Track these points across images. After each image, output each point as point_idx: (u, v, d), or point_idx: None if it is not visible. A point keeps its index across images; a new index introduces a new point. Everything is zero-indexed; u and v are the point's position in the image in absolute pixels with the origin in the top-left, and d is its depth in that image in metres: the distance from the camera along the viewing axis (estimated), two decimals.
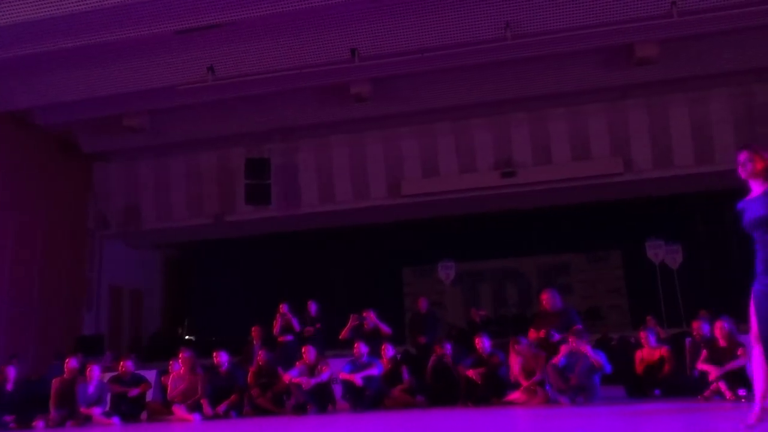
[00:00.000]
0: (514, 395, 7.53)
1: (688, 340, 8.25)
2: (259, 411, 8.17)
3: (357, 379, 7.92)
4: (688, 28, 9.95)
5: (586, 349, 7.06)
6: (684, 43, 10.77)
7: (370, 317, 9.37)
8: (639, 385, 7.72)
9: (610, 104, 13.00)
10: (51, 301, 13.57)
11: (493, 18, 9.76)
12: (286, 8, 9.16)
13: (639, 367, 7.80)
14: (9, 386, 8.38)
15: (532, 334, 7.76)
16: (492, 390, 7.72)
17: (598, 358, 7.05)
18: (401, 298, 16.35)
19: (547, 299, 7.91)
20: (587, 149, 13.10)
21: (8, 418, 8.05)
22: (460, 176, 13.54)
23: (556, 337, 7.50)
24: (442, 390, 8.22)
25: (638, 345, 8.21)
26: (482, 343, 8.01)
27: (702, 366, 7.06)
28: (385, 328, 9.38)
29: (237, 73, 10.76)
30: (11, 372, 8.46)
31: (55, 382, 8.43)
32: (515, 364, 7.61)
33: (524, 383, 7.44)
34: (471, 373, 7.74)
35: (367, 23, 10.03)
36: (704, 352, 7.17)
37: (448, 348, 8.46)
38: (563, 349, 7.19)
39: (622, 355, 8.40)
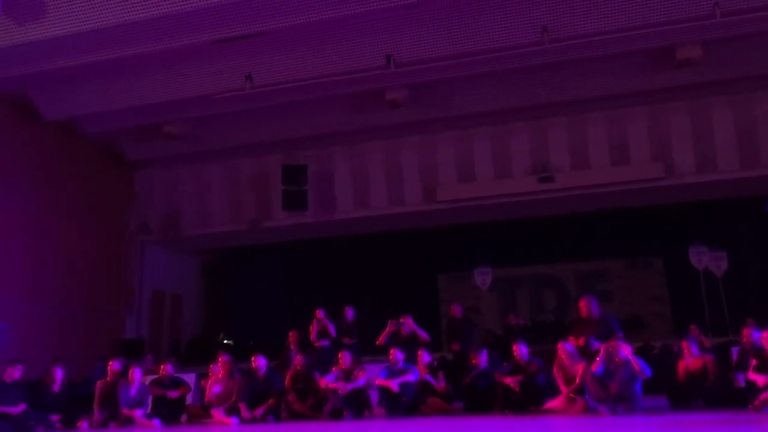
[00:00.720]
0: (553, 403, 7.41)
1: (735, 348, 8.01)
2: (296, 416, 8.22)
3: (393, 385, 7.91)
4: (732, 28, 9.70)
5: (626, 351, 6.90)
6: (727, 45, 10.50)
7: (408, 323, 9.34)
8: (682, 395, 7.52)
9: (651, 108, 12.76)
10: (94, 305, 13.93)
11: (530, 22, 9.68)
12: (321, 16, 9.25)
13: (682, 377, 7.59)
14: (55, 387, 8.61)
15: (572, 341, 7.63)
16: (530, 398, 7.61)
17: (638, 361, 6.89)
18: (437, 304, 16.28)
19: (585, 306, 7.77)
20: (626, 154, 12.86)
21: (54, 417, 8.26)
22: (497, 181, 13.44)
23: (596, 345, 7.36)
24: (479, 397, 8.15)
25: (681, 354, 7.99)
26: (520, 350, 7.91)
27: (751, 375, 6.84)
28: (423, 335, 9.34)
29: (274, 81, 10.90)
30: (58, 373, 8.68)
31: (98, 384, 8.63)
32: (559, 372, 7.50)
33: (564, 389, 7.32)
34: (508, 380, 7.65)
35: (403, 29, 10.06)
36: (753, 361, 6.95)
37: (483, 356, 8.39)
38: (600, 356, 7.05)
39: (664, 364, 8.19)
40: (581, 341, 7.56)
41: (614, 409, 6.79)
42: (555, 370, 7.54)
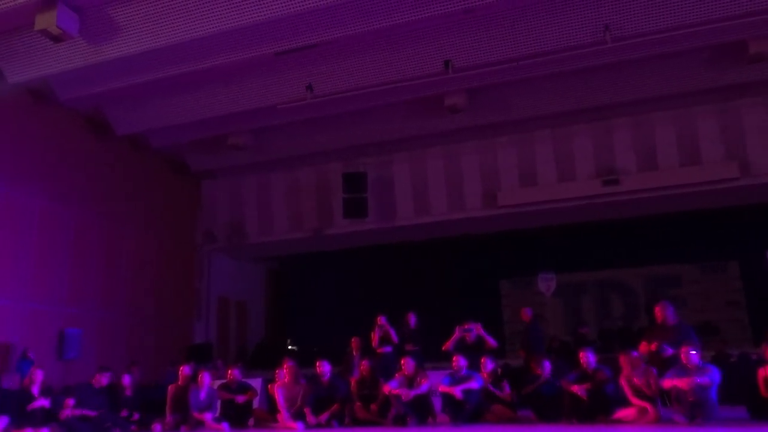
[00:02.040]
0: (623, 413, 7.17)
1: None
2: (360, 421, 8.25)
3: (456, 392, 7.83)
4: None
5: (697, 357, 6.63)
6: None
7: (476, 330, 9.23)
8: (763, 406, 7.12)
9: (722, 105, 12.24)
10: (164, 312, 14.45)
11: (591, 21, 9.47)
12: (379, 25, 9.32)
13: (762, 387, 7.20)
14: (128, 391, 8.96)
15: (644, 347, 7.37)
16: (598, 407, 7.38)
17: (709, 367, 6.60)
18: (499, 310, 16.06)
19: (660, 312, 7.50)
20: (697, 154, 12.37)
21: (127, 417, 8.58)
22: (559, 185, 13.18)
23: (669, 351, 7.09)
24: (545, 405, 7.97)
25: (761, 362, 7.58)
26: (587, 358, 7.70)
27: None
28: (491, 341, 9.21)
29: (334, 90, 11.06)
30: (126, 380, 9.06)
31: (170, 388, 8.92)
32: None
33: (634, 400, 7.07)
34: (575, 388, 7.45)
35: (461, 34, 10.02)
36: None
37: (546, 366, 8.21)
38: (674, 364, 6.79)
39: (743, 373, 7.79)
40: (653, 346, 7.30)
41: (691, 418, 6.51)
42: (622, 379, 7.30)
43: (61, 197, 12.18)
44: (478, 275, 16.29)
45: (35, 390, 8.01)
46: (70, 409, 7.96)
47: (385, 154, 14.40)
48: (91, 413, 8.09)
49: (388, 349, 9.90)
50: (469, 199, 13.91)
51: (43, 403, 7.88)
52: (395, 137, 13.44)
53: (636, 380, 7.13)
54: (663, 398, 6.97)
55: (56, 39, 8.99)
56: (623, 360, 7.31)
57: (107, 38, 9.49)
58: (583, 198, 12.96)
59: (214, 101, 11.68)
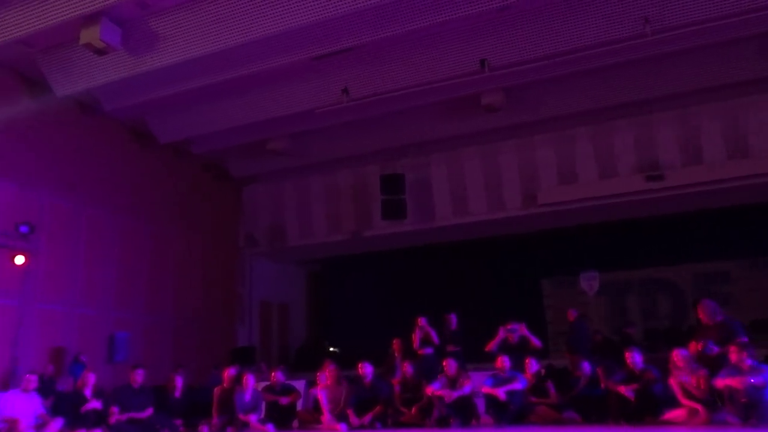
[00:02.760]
0: (673, 414, 6.99)
1: None
2: (403, 423, 8.25)
3: (500, 393, 7.76)
4: None
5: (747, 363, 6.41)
6: None
7: (520, 330, 9.14)
8: None
9: None
10: (208, 315, 14.72)
11: (630, 14, 9.28)
12: (413, 26, 9.32)
13: None
14: (177, 393, 9.15)
15: (693, 346, 7.18)
16: (646, 408, 7.21)
17: (764, 375, 6.36)
18: (541, 310, 15.85)
19: (703, 311, 7.30)
20: (745, 146, 11.99)
21: (177, 422, 8.77)
22: (601, 182, 12.95)
23: (715, 350, 6.89)
24: (590, 406, 7.83)
25: None
26: (633, 358, 7.53)
27: None
28: (536, 342, 9.11)
29: (370, 92, 11.11)
30: (179, 380, 9.24)
31: (216, 391, 9.08)
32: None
33: (684, 401, 6.89)
34: (622, 389, 7.29)
35: (496, 32, 9.95)
36: None
37: (585, 367, 8.08)
38: (725, 364, 6.59)
39: None
40: (699, 346, 7.10)
41: (744, 419, 6.31)
42: (671, 379, 7.12)
43: (107, 205, 12.55)
44: (519, 275, 16.10)
45: (88, 392, 8.26)
46: (116, 415, 8.17)
47: (423, 155, 14.39)
48: (140, 415, 8.29)
49: (429, 350, 9.88)
50: (508, 199, 13.79)
51: (95, 405, 8.13)
52: (432, 138, 13.41)
53: (686, 380, 6.95)
54: (715, 399, 6.77)
55: (100, 52, 9.27)
56: (672, 359, 7.12)
57: (148, 49, 9.74)
58: (626, 195, 12.70)
59: (253, 107, 11.86)
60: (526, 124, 12.87)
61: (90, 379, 8.35)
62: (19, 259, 10.35)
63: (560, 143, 13.39)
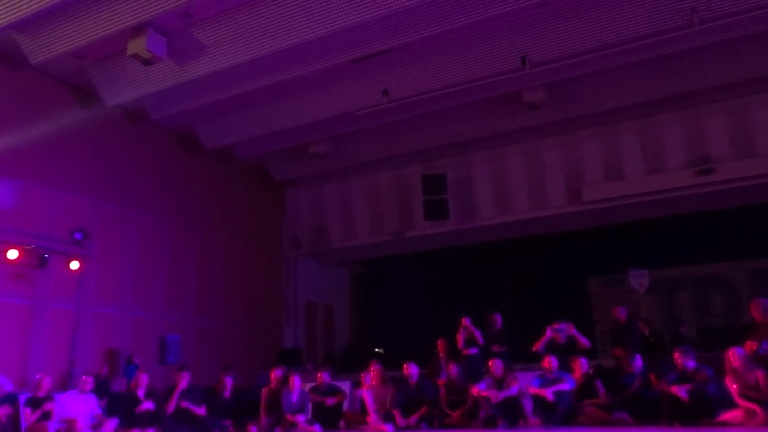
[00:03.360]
0: (729, 415, 6.77)
1: None
2: (449, 424, 8.23)
3: (547, 393, 7.66)
4: None
5: None
6: None
7: (568, 330, 9.00)
8: None
9: None
10: (255, 317, 14.97)
11: (676, 4, 9.02)
12: (452, 25, 9.28)
13: None
14: (227, 394, 9.34)
15: (749, 346, 6.94)
16: (700, 409, 7.01)
17: None
18: (589, 309, 15.56)
19: (757, 309, 7.06)
20: None
21: (227, 422, 8.95)
22: (648, 177, 12.63)
23: None
24: (641, 407, 7.65)
25: None
26: (683, 358, 7.32)
27: None
28: (584, 341, 8.96)
29: (410, 93, 11.11)
30: (228, 381, 9.42)
31: (264, 391, 9.24)
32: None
33: (740, 402, 6.66)
34: (675, 389, 7.10)
35: (536, 28, 9.82)
36: None
37: (638, 362, 7.89)
38: None
39: None
40: (755, 345, 6.86)
41: None
42: (727, 379, 6.89)
43: (156, 211, 12.90)
44: (565, 274, 15.85)
45: (141, 393, 8.51)
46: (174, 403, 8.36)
47: (464, 154, 14.31)
48: (198, 411, 8.47)
49: (474, 350, 9.82)
50: (552, 196, 13.59)
51: (149, 406, 8.35)
52: (473, 137, 13.31)
53: (742, 380, 6.72)
54: None
55: (147, 62, 9.54)
56: (728, 359, 6.90)
57: (192, 58, 9.97)
58: (675, 189, 12.35)
59: (294, 111, 12.02)
60: (569, 120, 12.64)
61: (143, 380, 8.60)
62: (74, 265, 10.74)
63: (605, 138, 13.12)
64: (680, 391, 7.04)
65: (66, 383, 10.18)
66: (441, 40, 10.03)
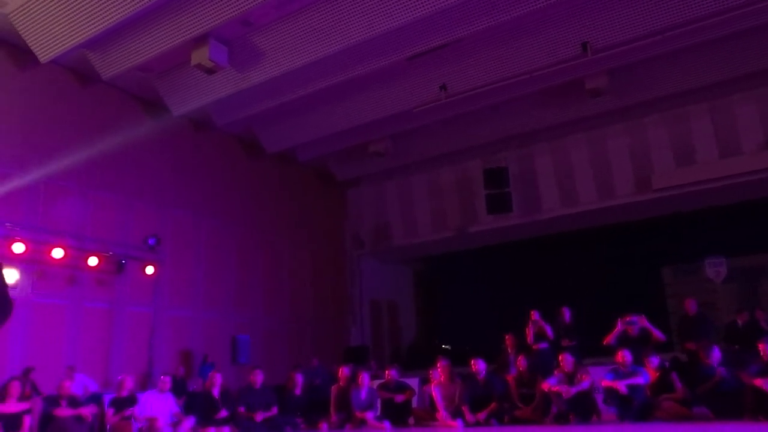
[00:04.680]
0: None
1: None
2: (520, 420, 8.12)
3: (621, 386, 7.44)
4: None
5: None
6: None
7: (640, 322, 8.71)
8: None
9: None
10: (321, 316, 15.20)
11: None
12: (509, 16, 9.12)
13: None
14: (297, 391, 9.52)
15: None
16: None
17: None
18: (663, 300, 14.98)
19: None
20: None
21: (298, 419, 9.13)
22: (722, 162, 12.06)
23: None
24: (722, 401, 7.31)
25: None
26: None
27: None
28: (658, 334, 8.65)
29: (468, 87, 11.01)
30: (299, 378, 9.60)
31: (333, 389, 9.36)
32: None
33: None
34: (759, 382, 6.76)
35: (596, 13, 9.54)
36: None
37: (716, 354, 7.54)
38: None
39: None
40: None
41: None
42: None
43: (223, 215, 13.29)
44: (637, 264, 15.30)
45: (216, 392, 8.78)
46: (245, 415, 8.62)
47: (526, 146, 14.08)
48: (267, 414, 8.67)
49: (544, 345, 9.64)
50: (620, 185, 13.18)
51: (224, 414, 8.55)
52: (535, 128, 13.07)
53: None
54: None
55: (209, 71, 9.84)
56: None
57: (253, 64, 10.22)
58: (752, 173, 11.74)
59: (352, 112, 12.12)
60: (634, 106, 12.24)
61: (217, 380, 8.87)
62: (149, 270, 11.20)
63: (674, 123, 12.62)
64: (765, 384, 6.70)
65: (145, 383, 10.64)
66: (498, 31, 9.89)
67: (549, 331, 9.63)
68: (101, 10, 8.83)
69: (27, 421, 6.96)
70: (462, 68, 10.85)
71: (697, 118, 12.38)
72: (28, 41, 9.50)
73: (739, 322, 9.66)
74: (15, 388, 7.16)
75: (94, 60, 10.21)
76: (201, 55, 9.50)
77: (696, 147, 12.39)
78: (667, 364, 8.19)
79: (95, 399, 8.78)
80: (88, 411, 7.58)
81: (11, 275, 9.48)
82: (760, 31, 9.86)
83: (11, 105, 10.01)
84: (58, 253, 9.87)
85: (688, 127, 12.47)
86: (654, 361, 7.97)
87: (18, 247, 9.29)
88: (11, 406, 6.99)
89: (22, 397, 7.46)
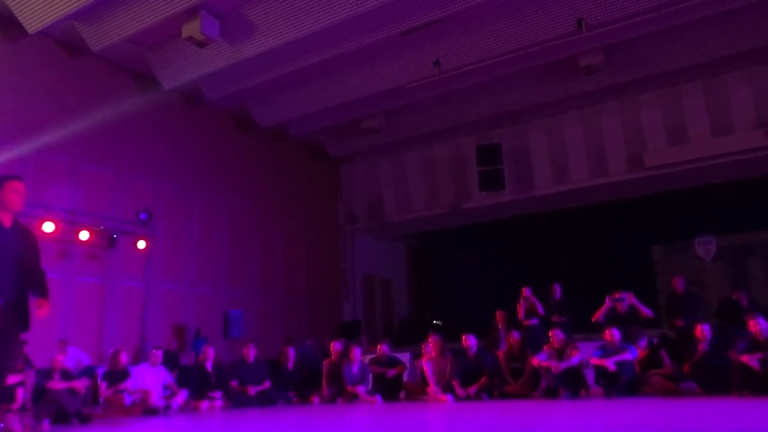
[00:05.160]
0: None
1: None
2: (510, 394, 8.22)
3: (609, 364, 7.54)
4: None
5: None
6: None
7: (629, 299, 8.80)
8: None
9: None
10: (314, 292, 15.26)
11: None
12: None
13: None
14: (290, 365, 9.60)
15: None
16: None
17: None
18: (653, 278, 15.13)
19: None
20: None
21: (290, 393, 9.22)
22: (714, 140, 12.10)
23: None
24: (709, 377, 7.43)
25: None
26: (758, 326, 7.06)
27: None
28: (646, 311, 8.74)
29: (462, 63, 10.94)
30: (291, 353, 9.68)
31: (325, 363, 9.44)
32: None
33: None
34: (746, 358, 6.86)
35: None
36: None
37: (707, 330, 7.63)
38: None
39: None
40: None
41: None
42: None
43: (217, 190, 13.24)
44: (627, 242, 15.43)
45: (209, 365, 8.84)
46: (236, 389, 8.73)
47: (520, 123, 14.05)
48: (259, 388, 8.77)
49: (534, 321, 9.75)
50: (613, 163, 13.21)
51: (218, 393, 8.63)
52: (529, 105, 13.05)
53: None
54: None
55: (201, 44, 9.72)
56: None
57: (244, 38, 10.09)
58: (744, 152, 11.79)
59: (345, 87, 12.03)
60: (629, 84, 12.22)
61: (210, 354, 8.94)
62: (141, 244, 11.18)
63: (668, 101, 12.61)
64: (752, 360, 6.80)
65: (138, 357, 10.69)
66: (492, 6, 9.80)
67: (540, 307, 9.73)
68: None
69: (20, 393, 6.97)
70: (456, 44, 10.77)
71: (690, 96, 12.37)
72: (14, 11, 9.34)
73: (734, 298, 9.76)
74: None
75: (84, 31, 10.05)
76: (192, 28, 9.37)
77: (689, 125, 12.41)
78: (655, 340, 8.28)
79: (88, 372, 8.83)
80: (81, 384, 7.60)
81: None
82: (754, 9, 9.83)
83: None
84: (49, 227, 9.79)
85: (682, 105, 12.47)
86: (642, 342, 8.05)
87: None
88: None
89: (15, 370, 7.47)
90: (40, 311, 3.87)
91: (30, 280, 3.89)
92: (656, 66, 11.45)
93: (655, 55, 11.22)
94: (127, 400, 8.01)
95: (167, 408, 8.06)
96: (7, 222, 3.85)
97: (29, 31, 9.53)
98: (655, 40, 10.79)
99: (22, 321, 3.82)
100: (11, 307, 3.74)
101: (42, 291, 3.94)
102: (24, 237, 3.92)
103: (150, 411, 7.91)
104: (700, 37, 10.68)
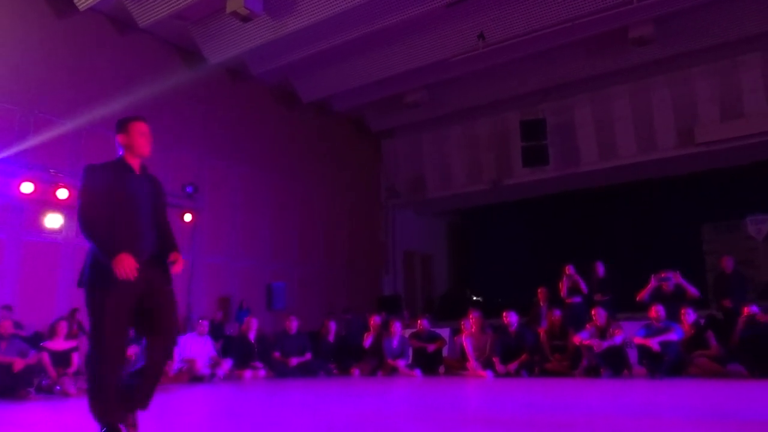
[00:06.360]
0: None
1: None
2: (550, 372, 8.19)
3: (653, 343, 7.42)
4: None
5: None
6: None
7: (675, 278, 8.61)
8: None
9: None
10: (355, 265, 15.40)
11: None
12: None
13: None
14: (330, 338, 9.76)
15: None
16: None
17: None
18: (701, 257, 14.73)
19: None
20: None
21: (331, 365, 9.39)
22: None
23: None
24: (759, 358, 7.23)
25: None
26: None
27: None
28: (693, 290, 8.55)
29: (507, 36, 10.72)
30: (332, 326, 9.84)
31: (366, 336, 9.56)
32: None
33: None
34: None
35: None
36: None
37: (754, 309, 7.42)
38: None
39: None
40: None
41: None
42: None
43: (259, 164, 13.40)
44: (676, 220, 15.01)
45: (252, 336, 9.06)
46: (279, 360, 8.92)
47: (565, 97, 13.73)
48: (301, 359, 8.96)
49: (577, 299, 9.63)
50: (661, 138, 12.82)
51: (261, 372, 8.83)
52: (575, 79, 12.72)
53: None
54: None
55: (245, 19, 9.76)
56: None
57: (289, 12, 10.10)
58: None
59: (389, 61, 11.95)
60: (681, 56, 11.76)
61: (253, 324, 9.15)
62: (187, 217, 11.43)
63: (722, 74, 12.12)
64: None
65: (184, 327, 11.01)
66: None
67: (583, 285, 9.60)
68: None
69: (75, 358, 7.30)
70: (501, 16, 10.55)
71: (746, 69, 11.87)
72: None
73: None
74: (62, 327, 7.48)
75: (131, 7, 10.22)
76: (236, 3, 9.41)
77: (744, 100, 11.92)
78: (702, 321, 8.10)
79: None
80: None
81: (56, 220, 9.80)
82: None
83: (51, 52, 10.13)
84: None
85: (737, 79, 11.98)
86: (690, 316, 7.89)
87: (62, 193, 9.53)
88: (59, 344, 7.32)
89: (70, 335, 7.81)
90: (175, 266, 3.54)
91: (163, 231, 3.57)
92: (710, 38, 11.00)
93: (710, 26, 10.78)
94: (174, 367, 8.28)
95: (212, 376, 8.31)
96: (137, 168, 3.50)
97: (80, 7, 9.74)
98: (709, 10, 10.37)
99: (167, 276, 3.54)
100: (156, 260, 3.46)
101: (174, 244, 3.59)
102: (154, 184, 3.58)
103: (196, 378, 8.18)
104: (758, 5, 10.19)
